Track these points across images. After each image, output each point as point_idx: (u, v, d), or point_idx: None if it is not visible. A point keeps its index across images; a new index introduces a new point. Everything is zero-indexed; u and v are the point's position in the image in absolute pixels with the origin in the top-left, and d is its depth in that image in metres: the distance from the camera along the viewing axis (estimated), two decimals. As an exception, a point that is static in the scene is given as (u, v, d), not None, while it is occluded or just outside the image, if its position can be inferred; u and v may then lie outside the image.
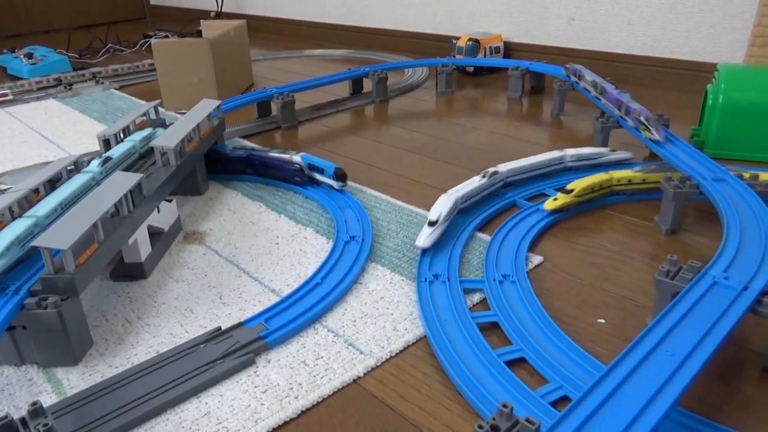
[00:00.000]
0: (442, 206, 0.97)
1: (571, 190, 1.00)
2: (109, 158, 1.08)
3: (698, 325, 0.62)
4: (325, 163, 1.18)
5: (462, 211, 1.06)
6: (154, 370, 0.71)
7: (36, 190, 0.97)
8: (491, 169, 1.10)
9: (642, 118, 1.17)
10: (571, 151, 1.21)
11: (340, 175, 1.16)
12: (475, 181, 1.08)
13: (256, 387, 0.70)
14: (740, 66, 1.45)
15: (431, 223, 0.95)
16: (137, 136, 1.20)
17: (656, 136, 1.12)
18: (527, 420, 0.51)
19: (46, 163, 1.40)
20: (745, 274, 0.71)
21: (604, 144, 1.33)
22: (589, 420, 0.51)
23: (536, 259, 0.94)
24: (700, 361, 0.57)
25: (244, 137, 1.58)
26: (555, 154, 1.19)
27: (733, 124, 1.27)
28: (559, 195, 1.03)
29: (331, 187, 1.18)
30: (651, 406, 0.52)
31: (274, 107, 1.67)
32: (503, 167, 1.14)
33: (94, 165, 1.05)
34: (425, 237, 0.94)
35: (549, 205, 1.02)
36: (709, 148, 1.29)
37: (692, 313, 0.64)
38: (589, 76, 1.49)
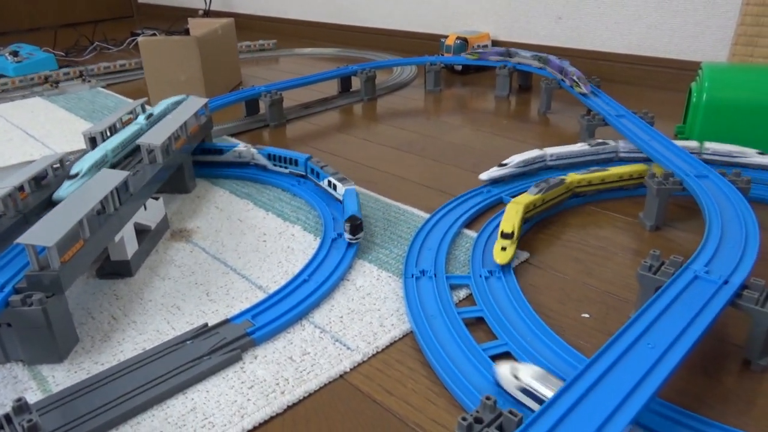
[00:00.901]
0: (520, 155, 1.02)
1: (511, 233, 0.92)
2: (151, 114, 1.28)
3: (679, 318, 0.63)
4: (350, 207, 1.00)
5: (453, 209, 1.07)
6: (140, 366, 0.71)
7: (21, 188, 0.96)
8: (599, 140, 1.16)
9: (575, 78, 1.48)
10: (712, 146, 1.21)
11: (351, 227, 0.95)
12: (576, 146, 1.14)
13: (242, 383, 0.70)
14: (724, 64, 1.47)
15: (500, 165, 1.03)
16: (170, 101, 1.38)
17: (584, 90, 1.44)
18: (510, 412, 0.52)
19: (31, 162, 1.39)
20: (725, 269, 0.72)
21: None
22: (571, 411, 0.51)
23: (522, 256, 0.95)
24: (681, 353, 0.58)
25: (232, 135, 1.58)
26: (690, 143, 1.21)
27: (716, 121, 1.28)
28: (503, 243, 0.92)
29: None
30: (631, 398, 0.53)
31: (263, 105, 1.66)
32: (622, 142, 1.20)
33: (141, 118, 1.26)
34: (487, 172, 1.03)
35: (502, 258, 0.89)
36: (693, 145, 1.31)
37: (673, 307, 0.65)
38: (525, 53, 1.75)
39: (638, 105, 1.64)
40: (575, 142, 1.36)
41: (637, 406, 0.52)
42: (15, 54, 2.35)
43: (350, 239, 0.96)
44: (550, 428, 0.50)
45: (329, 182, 1.10)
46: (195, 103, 1.32)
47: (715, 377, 0.69)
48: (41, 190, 1.01)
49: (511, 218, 0.95)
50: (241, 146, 1.31)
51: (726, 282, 0.69)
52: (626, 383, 0.54)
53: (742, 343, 0.74)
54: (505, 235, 0.92)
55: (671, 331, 0.61)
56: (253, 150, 1.29)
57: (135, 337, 0.79)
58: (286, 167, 1.25)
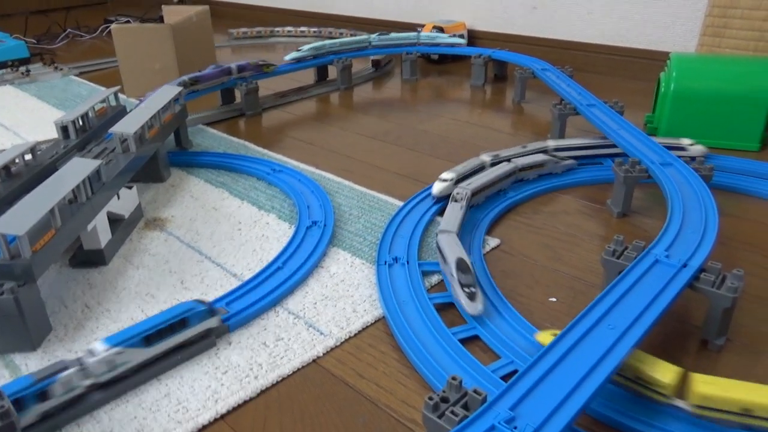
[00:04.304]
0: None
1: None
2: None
3: (639, 300, 0.66)
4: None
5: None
6: (114, 354, 0.72)
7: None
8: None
9: (260, 62, 1.60)
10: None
11: None
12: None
13: (216, 368, 0.71)
14: (692, 55, 1.50)
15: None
16: (350, 39, 1.81)
17: (286, 60, 1.67)
18: (474, 391, 0.53)
19: (2, 150, 1.37)
20: (685, 253, 0.75)
21: (562, 131, 1.36)
22: (533, 389, 0.53)
23: (493, 242, 0.97)
24: (639, 334, 0.60)
25: (208, 124, 1.57)
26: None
27: (683, 110, 1.31)
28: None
29: None
30: (591, 376, 0.55)
31: (238, 94, 1.66)
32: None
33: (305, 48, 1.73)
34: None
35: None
36: (661, 133, 1.34)
37: (634, 290, 0.68)
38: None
39: (609, 94, 1.67)
40: (548, 131, 1.38)
41: (596, 383, 0.54)
42: (-16, 41, 2.29)
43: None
44: (513, 405, 0.52)
45: None
46: (169, 91, 1.32)
47: (674, 356, 0.72)
48: (11, 179, 1.00)
49: None
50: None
51: (685, 265, 0.72)
52: (587, 362, 0.56)
53: (700, 324, 0.77)
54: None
55: (631, 312, 0.64)
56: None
57: (109, 326, 0.80)
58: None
